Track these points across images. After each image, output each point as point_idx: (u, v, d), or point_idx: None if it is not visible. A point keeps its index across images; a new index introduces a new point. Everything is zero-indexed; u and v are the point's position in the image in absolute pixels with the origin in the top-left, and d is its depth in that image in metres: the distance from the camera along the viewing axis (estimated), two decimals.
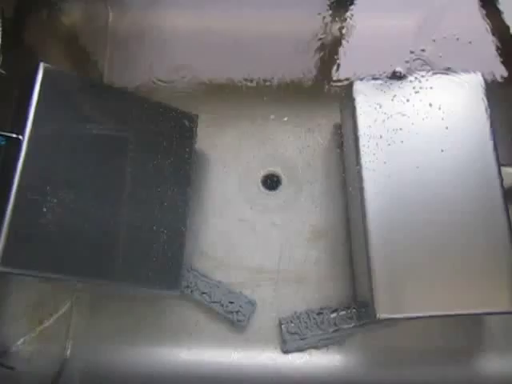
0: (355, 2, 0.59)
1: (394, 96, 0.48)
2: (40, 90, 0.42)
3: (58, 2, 0.59)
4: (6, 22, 0.44)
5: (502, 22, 0.57)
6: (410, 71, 0.49)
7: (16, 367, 0.49)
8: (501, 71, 0.56)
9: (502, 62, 0.57)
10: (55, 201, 0.41)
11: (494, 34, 0.57)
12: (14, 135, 0.40)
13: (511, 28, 0.56)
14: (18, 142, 0.40)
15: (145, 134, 0.48)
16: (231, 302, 0.51)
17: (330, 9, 0.60)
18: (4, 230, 0.37)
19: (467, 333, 0.51)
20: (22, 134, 0.40)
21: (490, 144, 0.47)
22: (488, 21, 0.57)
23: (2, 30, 0.44)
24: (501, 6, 0.57)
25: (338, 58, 0.58)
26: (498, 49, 0.57)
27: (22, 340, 0.50)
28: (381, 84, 0.48)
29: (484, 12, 0.57)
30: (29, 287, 0.52)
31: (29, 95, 0.42)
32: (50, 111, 0.42)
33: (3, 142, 0.41)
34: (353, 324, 0.50)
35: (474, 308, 0.43)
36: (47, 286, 0.52)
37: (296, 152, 0.57)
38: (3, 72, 0.42)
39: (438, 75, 0.49)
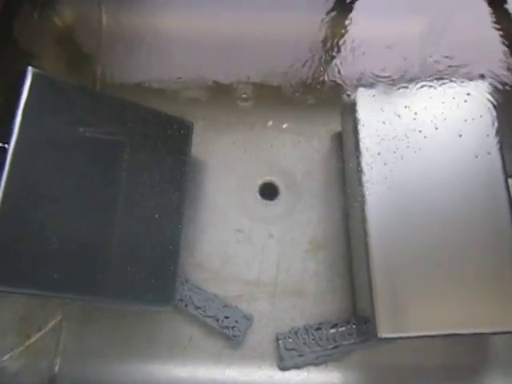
0: (359, 5, 0.57)
1: (398, 104, 0.46)
2: (28, 96, 0.40)
3: (51, 2, 0.58)
4: None
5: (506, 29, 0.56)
6: (415, 78, 0.47)
7: (2, 383, 0.47)
8: (510, 77, 0.55)
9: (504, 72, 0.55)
10: (42, 214, 0.39)
11: (502, 39, 0.55)
12: (0, 144, 0.39)
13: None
14: (4, 151, 0.38)
15: (138, 141, 0.46)
16: (227, 317, 0.49)
17: (333, 12, 0.58)
18: None
19: (470, 350, 0.49)
20: (8, 142, 0.39)
21: (497, 154, 0.45)
22: (497, 25, 0.55)
23: None
24: (510, 9, 0.55)
25: (340, 64, 0.56)
26: (506, 53, 0.55)
27: (8, 355, 0.48)
28: (384, 92, 0.47)
29: (493, 15, 0.56)
30: (16, 300, 0.50)
31: (16, 101, 0.40)
32: (38, 118, 0.41)
33: None
34: (353, 340, 0.48)
35: (480, 327, 0.42)
36: (36, 299, 0.50)
37: (295, 160, 0.55)
38: None
39: (444, 83, 0.47)
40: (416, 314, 0.42)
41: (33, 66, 0.41)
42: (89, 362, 0.49)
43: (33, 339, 0.49)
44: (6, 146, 0.39)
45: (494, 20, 0.55)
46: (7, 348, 0.48)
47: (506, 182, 0.44)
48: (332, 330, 0.49)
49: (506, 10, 0.55)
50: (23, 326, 0.49)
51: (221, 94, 0.58)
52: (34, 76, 0.41)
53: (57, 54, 0.59)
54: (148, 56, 0.58)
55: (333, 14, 0.58)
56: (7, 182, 0.37)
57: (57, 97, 0.42)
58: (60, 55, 0.59)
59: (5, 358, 0.48)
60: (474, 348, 0.49)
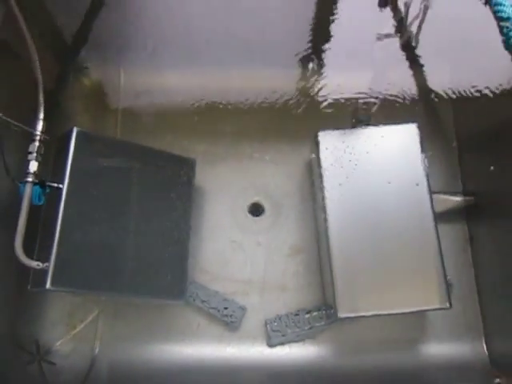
0: (319, 63, 0.72)
1: (350, 142, 0.60)
2: (74, 149, 0.54)
3: (81, 66, 0.72)
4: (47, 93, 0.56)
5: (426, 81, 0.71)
6: (361, 122, 0.62)
7: (57, 363, 0.61)
8: (430, 120, 0.70)
9: (430, 113, 0.70)
10: (87, 233, 0.53)
11: (420, 92, 0.70)
12: (56, 185, 0.53)
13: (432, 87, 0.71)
14: (59, 190, 0.53)
15: (154, 177, 0.61)
16: (226, 308, 0.63)
17: (300, 68, 0.73)
18: (52, 259, 0.50)
19: (414, 325, 0.63)
20: (62, 183, 0.53)
21: (424, 177, 0.59)
22: (417, 81, 0.71)
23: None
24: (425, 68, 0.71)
25: (307, 109, 0.71)
26: (427, 105, 0.70)
27: (60, 341, 0.62)
28: (340, 134, 0.61)
29: (414, 73, 0.71)
30: (63, 299, 0.64)
31: (65, 153, 0.54)
32: (81, 164, 0.55)
33: (48, 190, 0.54)
34: (323, 322, 0.62)
35: (411, 307, 0.56)
36: (78, 297, 0.64)
37: (276, 184, 0.69)
38: (48, 138, 0.54)
39: (384, 126, 0.61)
40: (366, 299, 0.56)
41: (68, 118, 0.54)
42: (121, 345, 0.63)
43: (77, 329, 0.63)
44: (61, 186, 0.53)
45: (415, 76, 0.71)
46: (59, 336, 0.63)
47: (431, 196, 0.58)
48: (307, 315, 0.63)
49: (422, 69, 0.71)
50: (70, 319, 0.64)
51: (216, 134, 0.72)
52: (78, 133, 0.55)
53: (85, 108, 0.73)
54: (158, 107, 0.73)
55: (300, 69, 0.73)
56: (64, 213, 0.52)
57: (93, 146, 0.57)
58: (88, 108, 0.73)
59: (57, 343, 0.62)
60: (416, 323, 0.63)
